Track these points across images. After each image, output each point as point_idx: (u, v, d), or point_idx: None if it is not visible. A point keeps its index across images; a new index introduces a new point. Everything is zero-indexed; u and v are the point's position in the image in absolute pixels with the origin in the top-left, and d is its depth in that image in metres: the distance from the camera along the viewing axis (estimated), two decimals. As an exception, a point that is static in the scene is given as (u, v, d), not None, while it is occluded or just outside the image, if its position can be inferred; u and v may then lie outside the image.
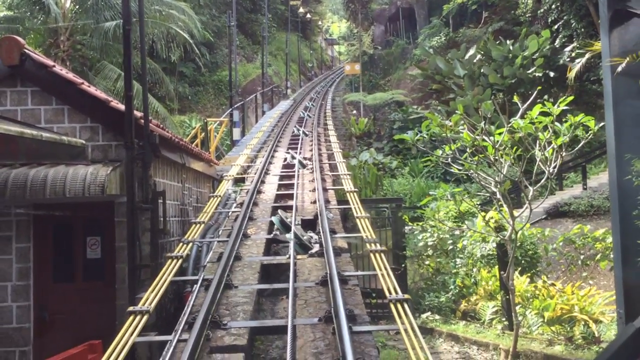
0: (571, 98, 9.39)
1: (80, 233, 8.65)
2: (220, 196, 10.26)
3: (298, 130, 20.10)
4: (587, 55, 14.18)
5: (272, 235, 8.06)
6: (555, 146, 8.42)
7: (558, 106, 8.29)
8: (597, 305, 9.85)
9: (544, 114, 8.26)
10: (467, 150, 9.03)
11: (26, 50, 7.93)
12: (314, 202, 9.58)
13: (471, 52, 30.88)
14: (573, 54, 23.16)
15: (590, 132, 8.43)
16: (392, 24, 49.40)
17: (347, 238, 7.93)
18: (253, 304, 5.60)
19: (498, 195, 8.83)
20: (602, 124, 8.10)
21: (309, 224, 8.68)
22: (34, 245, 8.20)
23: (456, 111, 8.86)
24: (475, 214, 12.53)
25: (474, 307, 11.39)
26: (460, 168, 9.27)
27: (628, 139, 7.64)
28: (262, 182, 11.57)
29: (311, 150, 15.27)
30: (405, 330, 4.63)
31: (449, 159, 9.26)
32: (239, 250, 7.16)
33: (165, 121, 22.42)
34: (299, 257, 7.00)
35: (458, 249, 12.28)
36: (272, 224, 8.55)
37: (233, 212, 9.38)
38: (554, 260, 12.06)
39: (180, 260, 6.64)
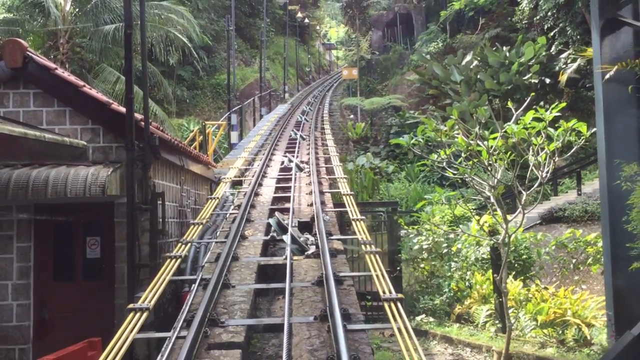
0: (563, 104, 9.55)
1: (80, 233, 8.78)
2: (218, 198, 10.37)
3: (295, 134, 20.20)
4: (579, 61, 14.36)
5: (269, 236, 8.16)
6: (548, 151, 8.58)
7: (551, 112, 8.46)
8: (590, 310, 9.97)
9: (538, 119, 8.42)
10: (462, 154, 9.18)
11: (29, 53, 8.07)
12: (311, 204, 9.69)
13: (468, 58, 31.05)
14: (569, 61, 23.35)
15: (582, 137, 8.59)
16: (390, 30, 49.57)
17: (343, 240, 8.05)
18: (250, 303, 5.71)
19: (492, 200, 8.98)
20: (594, 129, 8.25)
21: (306, 226, 8.77)
22: (34, 245, 8.32)
23: (451, 116, 9.00)
24: (470, 219, 12.67)
25: (468, 311, 11.52)
26: (455, 172, 9.42)
27: (618, 145, 7.81)
28: (260, 184, 11.67)
29: (308, 154, 15.38)
30: (399, 328, 4.74)
31: (444, 164, 9.40)
32: (236, 251, 7.27)
33: (164, 124, 22.52)
34: (295, 258, 7.10)
35: (453, 253, 12.42)
36: (269, 225, 8.64)
37: (231, 214, 9.49)
38: (547, 264, 12.20)
39: (179, 260, 6.75)
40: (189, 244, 7.57)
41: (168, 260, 6.68)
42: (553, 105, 8.68)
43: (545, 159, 8.72)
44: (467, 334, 10.70)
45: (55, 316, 8.41)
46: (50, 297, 8.48)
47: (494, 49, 29.38)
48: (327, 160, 15.00)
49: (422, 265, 13.19)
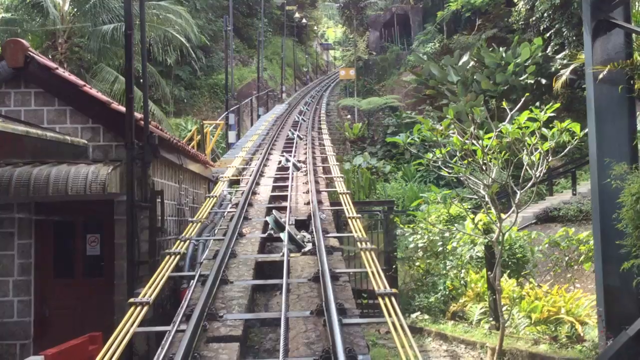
0: (557, 105, 9.73)
1: (80, 230, 8.91)
2: (216, 197, 10.46)
3: (293, 133, 20.30)
4: (572, 66, 14.51)
5: (266, 234, 8.24)
6: (542, 151, 8.72)
7: (545, 112, 8.61)
8: (584, 308, 10.08)
9: (532, 119, 8.56)
10: (457, 154, 9.32)
11: (30, 53, 8.19)
12: (308, 203, 9.80)
13: (464, 58, 31.20)
14: (565, 62, 23.49)
15: (576, 138, 8.75)
16: (387, 30, 49.71)
17: (339, 237, 8.16)
18: (248, 299, 5.82)
19: (486, 199, 9.12)
20: (587, 130, 8.39)
21: (303, 225, 8.86)
22: (35, 242, 8.45)
23: (447, 116, 9.14)
24: (465, 218, 12.80)
25: (463, 308, 11.64)
26: (450, 172, 9.56)
27: (608, 144, 7.94)
28: (257, 183, 11.77)
29: (305, 154, 15.48)
30: (393, 323, 4.86)
31: (440, 163, 9.53)
32: (234, 249, 7.35)
33: (162, 124, 22.58)
34: (292, 255, 7.19)
35: (448, 251, 12.54)
36: (266, 223, 8.72)
37: (229, 212, 9.58)
38: (541, 263, 12.34)
39: (178, 257, 6.85)
40: (188, 242, 7.66)
41: (167, 257, 6.76)
42: (547, 106, 8.83)
43: (539, 159, 8.87)
44: (461, 331, 10.83)
45: (56, 312, 8.53)
46: (50, 293, 8.61)
47: (490, 49, 29.51)
48: (324, 160, 15.12)
49: (417, 264, 13.31)
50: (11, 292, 8.29)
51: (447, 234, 12.60)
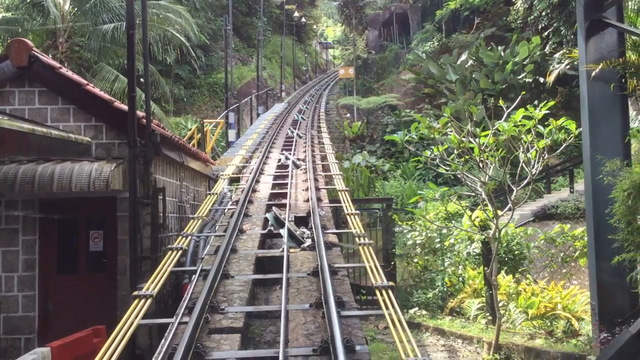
0: (552, 103, 9.86)
1: (83, 227, 9.05)
2: (216, 194, 10.57)
3: (292, 132, 20.41)
4: (566, 62, 14.62)
5: (266, 230, 8.35)
6: (538, 149, 8.86)
7: (540, 110, 8.75)
8: (580, 304, 10.21)
9: (528, 117, 8.70)
10: (454, 151, 9.45)
11: (34, 53, 8.32)
12: (307, 200, 9.91)
13: (463, 57, 31.28)
14: (557, 61, 23.59)
15: (571, 135, 8.89)
16: (386, 29, 49.78)
17: (338, 234, 8.29)
18: (249, 293, 5.94)
19: (483, 195, 9.26)
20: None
21: (302, 221, 8.97)
22: (39, 238, 8.59)
23: (445, 114, 9.28)
24: (463, 215, 12.93)
25: (461, 304, 11.78)
26: (448, 169, 9.70)
27: (601, 141, 8.08)
28: (257, 181, 11.87)
29: (305, 152, 15.59)
30: (390, 315, 4.99)
31: (437, 160, 9.67)
32: (235, 244, 7.46)
33: (162, 122, 22.67)
34: (292, 250, 7.29)
35: (446, 248, 12.68)
36: (266, 220, 8.82)
37: (229, 209, 9.69)
38: (538, 259, 12.46)
39: (179, 252, 6.96)
40: (189, 237, 7.77)
41: (170, 252, 6.86)
42: (542, 104, 8.97)
43: (536, 156, 9.01)
44: (459, 326, 10.97)
45: (59, 307, 8.66)
46: (54, 289, 8.74)
47: (489, 48, 29.61)
48: (324, 158, 15.24)
49: (415, 261, 13.45)
50: (16, 288, 8.44)
51: (444, 231, 12.73)
